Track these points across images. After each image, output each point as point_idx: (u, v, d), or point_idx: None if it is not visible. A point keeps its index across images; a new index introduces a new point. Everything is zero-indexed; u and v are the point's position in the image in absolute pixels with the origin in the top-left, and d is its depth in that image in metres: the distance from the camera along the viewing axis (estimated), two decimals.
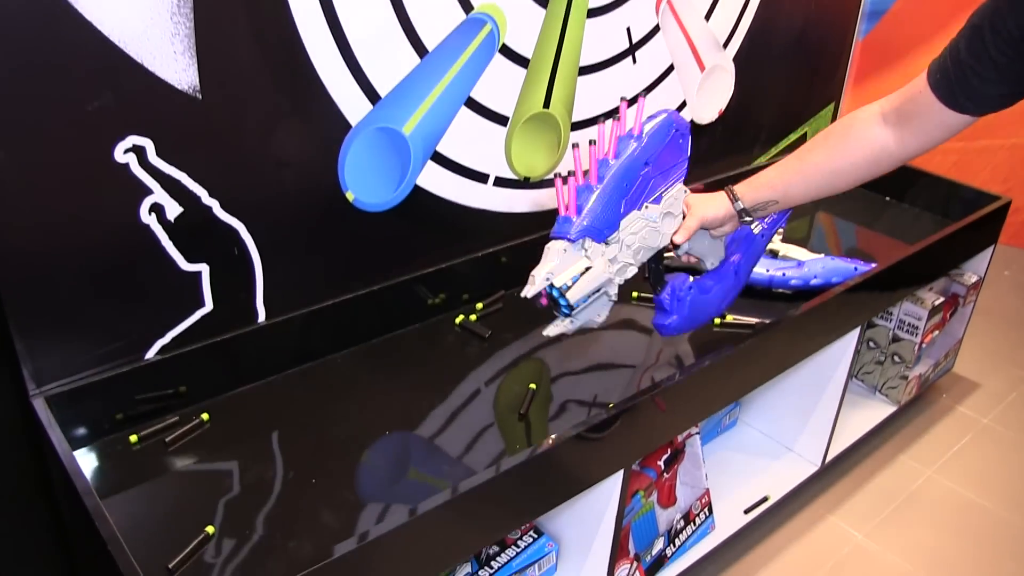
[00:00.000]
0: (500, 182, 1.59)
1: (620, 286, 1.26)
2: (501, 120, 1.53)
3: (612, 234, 1.22)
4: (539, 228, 1.68)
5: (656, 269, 1.33)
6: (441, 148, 1.46)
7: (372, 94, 1.33)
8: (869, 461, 2.08)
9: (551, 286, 1.17)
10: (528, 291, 1.17)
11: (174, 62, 1.12)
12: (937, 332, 2.12)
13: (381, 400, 1.36)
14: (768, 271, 1.69)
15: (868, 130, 1.22)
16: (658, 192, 1.27)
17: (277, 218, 1.32)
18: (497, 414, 1.34)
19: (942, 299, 2.03)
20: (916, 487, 2.01)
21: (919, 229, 2.12)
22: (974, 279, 2.16)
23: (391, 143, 1.38)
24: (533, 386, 1.38)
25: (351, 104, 1.31)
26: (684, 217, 1.32)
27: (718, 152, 2.06)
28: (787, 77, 2.16)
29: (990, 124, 3.19)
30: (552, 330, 1.22)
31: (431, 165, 1.46)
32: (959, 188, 2.19)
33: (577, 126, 1.66)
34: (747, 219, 1.35)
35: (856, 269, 1.73)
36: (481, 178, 1.55)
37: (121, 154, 1.12)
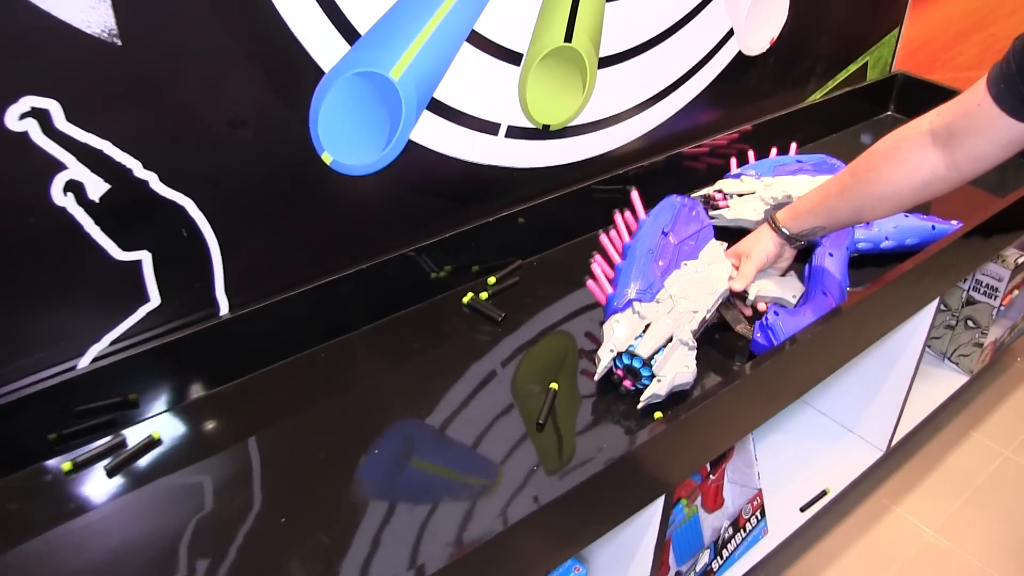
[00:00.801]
0: (513, 132, 1.32)
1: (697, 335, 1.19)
2: (514, 58, 1.25)
3: (660, 292, 1.21)
4: (561, 185, 1.42)
5: (733, 313, 1.29)
6: (439, 94, 1.19)
7: (348, 30, 1.06)
8: (938, 441, 1.85)
9: (618, 357, 1.13)
10: (599, 371, 1.13)
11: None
12: (1017, 292, 1.86)
13: (374, 399, 1.13)
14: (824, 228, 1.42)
15: (914, 153, 1.10)
16: (695, 254, 1.30)
17: (235, 190, 1.07)
18: (513, 420, 1.09)
19: None
20: (992, 471, 1.78)
21: (990, 173, 1.85)
22: None
23: (376, 91, 1.11)
24: (555, 386, 1.13)
25: (321, 43, 1.05)
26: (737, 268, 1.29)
27: (769, 88, 1.77)
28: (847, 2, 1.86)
29: None
30: (647, 401, 1.11)
31: (428, 115, 1.19)
32: None
33: (605, 62, 1.38)
34: (799, 244, 1.29)
35: (934, 228, 1.46)
36: (491, 128, 1.29)
37: (15, 121, 0.86)
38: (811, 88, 1.91)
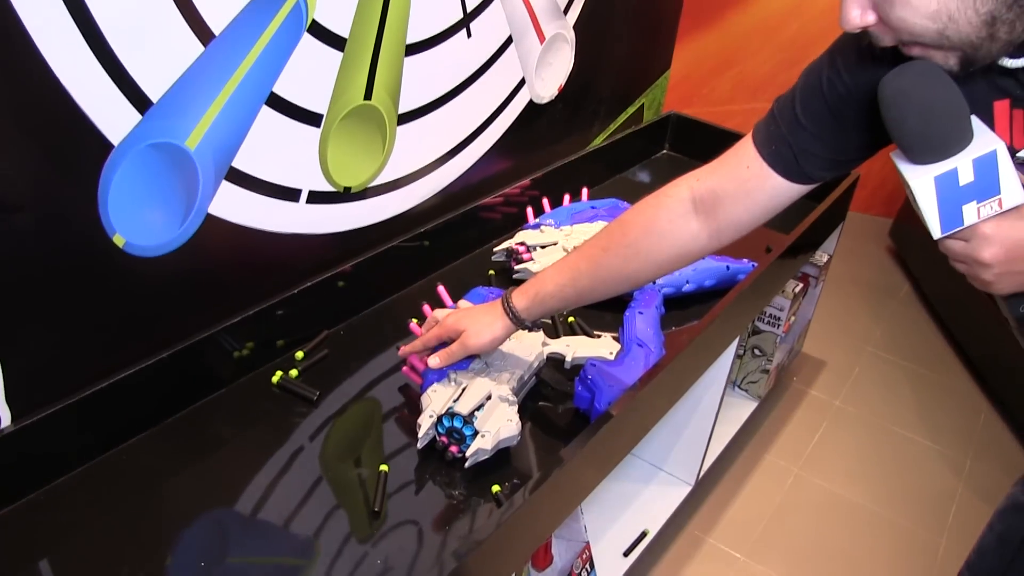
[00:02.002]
0: (315, 197, 1.24)
1: (517, 394, 1.18)
2: (313, 119, 1.18)
3: (474, 362, 1.19)
4: (365, 248, 1.36)
5: (556, 374, 1.27)
6: (237, 162, 1.10)
7: (140, 99, 0.95)
8: (737, 467, 1.92)
9: (439, 421, 1.10)
10: (421, 439, 1.10)
11: None
12: (794, 318, 1.96)
13: (181, 505, 1.01)
14: None
15: (675, 224, 1.05)
16: None
17: (11, 284, 0.93)
18: (344, 511, 1.02)
19: (799, 284, 1.86)
20: (787, 489, 1.86)
21: None
22: (825, 258, 2.00)
23: (171, 162, 1.01)
24: (385, 468, 1.06)
25: (110, 114, 0.93)
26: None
27: (558, 133, 1.79)
28: (627, 43, 1.91)
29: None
30: (472, 458, 1.08)
31: (226, 185, 1.10)
32: None
33: (405, 118, 1.34)
34: (528, 328, 1.20)
35: (728, 268, 1.51)
36: (291, 195, 1.20)
37: None
38: (595, 131, 1.94)
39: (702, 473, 1.68)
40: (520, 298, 1.14)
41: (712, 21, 2.79)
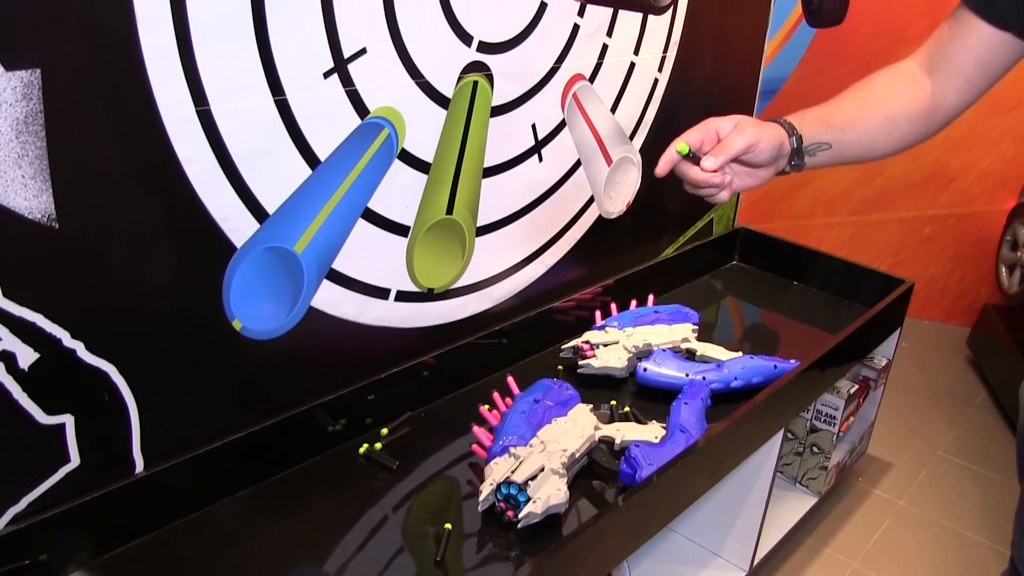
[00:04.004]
0: (402, 296, 1.45)
1: (568, 469, 1.31)
2: (401, 230, 1.40)
3: (532, 438, 1.34)
4: (446, 341, 1.55)
5: (605, 455, 1.38)
6: (337, 264, 1.32)
7: (259, 211, 1.19)
8: (795, 559, 2.00)
9: (497, 489, 1.25)
10: (482, 503, 1.25)
11: (24, 188, 0.96)
12: (852, 419, 2.07)
13: (277, 549, 1.20)
14: (688, 375, 1.59)
15: (914, 80, 1.10)
16: (563, 413, 1.43)
17: (153, 355, 1.16)
18: (412, 560, 1.19)
19: (855, 386, 1.98)
20: None
21: (824, 312, 2.10)
22: (884, 362, 2.12)
23: (282, 262, 1.24)
24: (448, 526, 1.24)
25: (235, 224, 1.17)
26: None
27: (627, 245, 1.98)
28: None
29: (881, 199, 3.24)
30: (524, 520, 1.22)
31: (326, 283, 1.32)
32: (854, 268, 2.16)
33: (483, 230, 1.55)
34: (794, 163, 1.15)
35: (776, 367, 1.65)
36: (382, 293, 1.42)
37: None
38: (664, 243, 2.12)
39: (757, 560, 1.79)
40: (793, 116, 1.15)
41: None
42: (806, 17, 3.03)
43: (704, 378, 1.59)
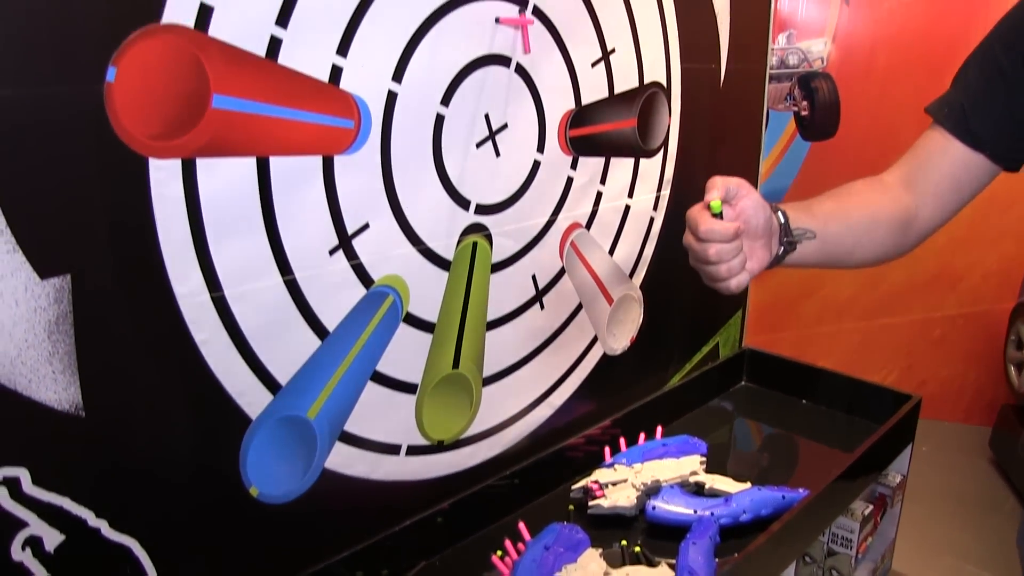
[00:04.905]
0: (414, 450, 1.51)
1: None
2: (410, 388, 1.46)
3: None
4: (459, 489, 1.60)
5: None
6: (348, 426, 1.38)
7: (272, 384, 1.25)
8: None
9: None
10: None
11: (53, 383, 1.03)
12: (870, 539, 2.08)
13: None
14: (696, 512, 1.62)
15: (892, 193, 1.14)
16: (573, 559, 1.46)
17: (174, 526, 1.21)
18: None
19: (870, 506, 1.99)
20: None
21: (834, 430, 2.12)
22: (899, 479, 2.13)
23: (295, 429, 1.30)
24: None
25: (250, 398, 1.23)
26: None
27: (633, 379, 2.03)
28: (695, 292, 2.16)
29: (888, 303, 3.29)
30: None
31: (338, 445, 1.37)
32: (861, 385, 2.18)
33: (490, 380, 1.61)
34: (785, 240, 1.19)
35: (784, 498, 1.68)
36: (393, 450, 1.47)
37: None
38: (671, 372, 2.18)
39: None
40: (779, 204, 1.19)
41: None
42: (799, 132, 3.13)
43: (712, 514, 1.62)
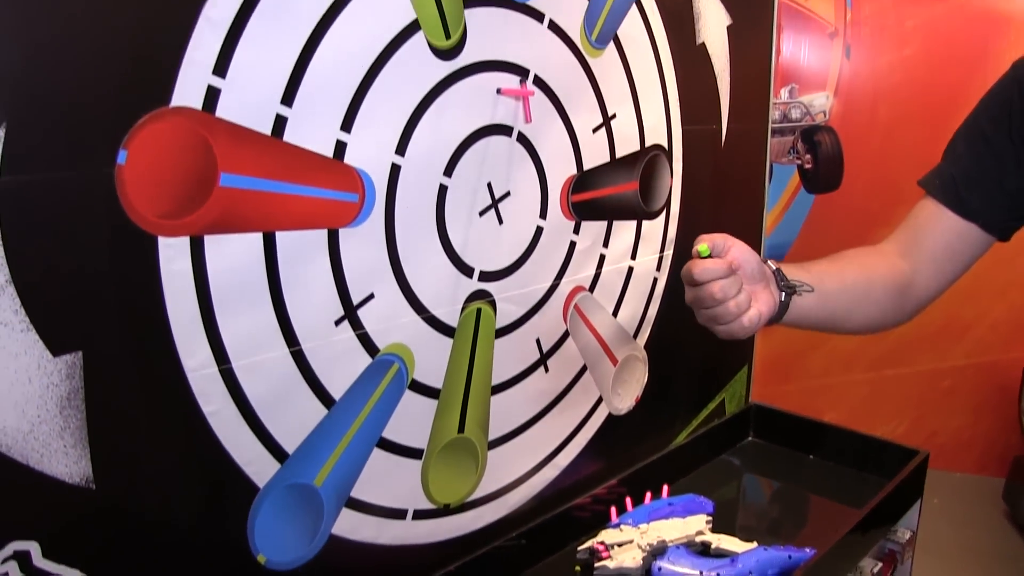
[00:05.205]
0: (420, 514, 1.52)
1: None
2: (416, 454, 1.48)
3: None
4: (465, 551, 1.60)
5: None
6: (355, 492, 1.39)
7: (279, 452, 1.27)
8: None
9: None
10: None
11: (65, 456, 1.05)
12: None
13: None
14: (702, 573, 1.63)
15: (889, 260, 1.17)
16: None
17: None
18: None
19: (879, 564, 1.99)
20: None
21: (841, 486, 2.11)
22: (908, 535, 2.13)
23: (302, 496, 1.31)
24: None
25: (257, 467, 1.25)
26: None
27: (639, 437, 2.04)
28: (700, 348, 2.18)
29: (896, 354, 3.28)
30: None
31: (345, 511, 1.39)
32: (868, 440, 2.18)
33: (495, 443, 1.62)
34: (783, 285, 1.22)
35: (790, 558, 1.68)
36: (399, 514, 1.48)
37: None
38: (677, 429, 2.18)
39: None
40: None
41: None
42: (804, 184, 3.16)
43: (718, 575, 1.63)
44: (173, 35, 1.07)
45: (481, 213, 1.49)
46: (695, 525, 1.77)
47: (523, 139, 1.54)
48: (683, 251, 2.01)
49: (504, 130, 1.50)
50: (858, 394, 3.34)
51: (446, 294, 1.46)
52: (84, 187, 1.02)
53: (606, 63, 1.69)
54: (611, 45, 1.70)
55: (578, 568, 1.72)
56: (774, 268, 1.22)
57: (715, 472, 2.20)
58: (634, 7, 1.73)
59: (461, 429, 1.54)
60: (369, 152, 1.29)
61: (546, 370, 1.69)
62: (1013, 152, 1.06)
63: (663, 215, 1.93)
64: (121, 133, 1.03)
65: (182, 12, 1.07)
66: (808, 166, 3.08)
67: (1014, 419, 3.16)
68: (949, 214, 1.12)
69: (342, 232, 1.28)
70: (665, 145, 1.89)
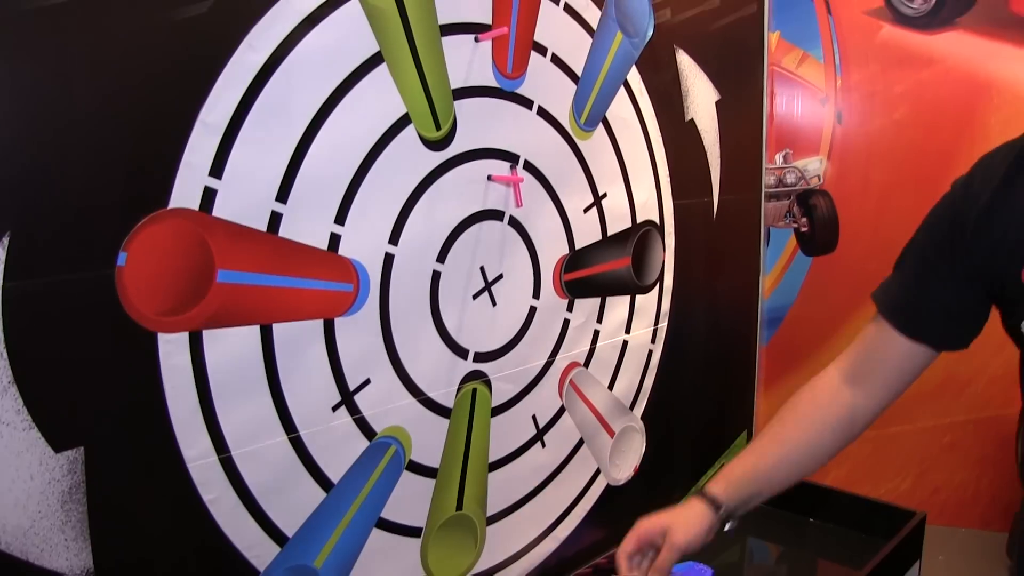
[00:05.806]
0: None
1: None
2: (415, 532, 1.50)
3: None
4: None
5: None
6: (355, 572, 1.41)
7: (279, 536, 1.29)
8: None
9: None
10: None
11: (65, 550, 1.08)
12: None
13: None
14: None
15: (835, 396, 1.18)
16: None
17: None
18: None
19: None
20: None
21: (841, 548, 2.12)
22: None
23: None
24: None
25: (258, 551, 1.28)
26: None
27: (639, 507, 2.04)
28: (699, 416, 2.20)
29: (897, 411, 3.29)
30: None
31: None
32: (867, 503, 2.20)
33: (494, 518, 1.64)
34: (727, 520, 1.27)
35: None
36: None
37: None
38: (677, 497, 2.18)
39: None
40: (715, 484, 1.25)
41: (797, 365, 3.04)
42: (800, 247, 3.19)
43: None
44: (170, 140, 1.12)
45: (475, 296, 1.53)
46: None
47: (515, 222, 1.58)
48: (678, 322, 2.04)
49: (496, 215, 1.54)
50: (861, 452, 3.33)
51: (442, 376, 1.49)
52: (85, 289, 1.06)
53: (596, 144, 1.74)
54: (600, 127, 1.75)
55: None
56: (720, 516, 1.25)
57: (717, 536, 2.19)
58: (622, 89, 1.78)
59: (459, 506, 1.56)
60: (363, 242, 1.33)
61: (543, 445, 1.72)
62: (956, 277, 1.09)
63: (657, 288, 1.96)
64: (121, 236, 1.07)
65: (179, 118, 1.12)
66: (804, 229, 3.11)
67: (1016, 473, 3.16)
68: (901, 339, 1.13)
69: (338, 320, 1.32)
70: (657, 220, 1.93)
